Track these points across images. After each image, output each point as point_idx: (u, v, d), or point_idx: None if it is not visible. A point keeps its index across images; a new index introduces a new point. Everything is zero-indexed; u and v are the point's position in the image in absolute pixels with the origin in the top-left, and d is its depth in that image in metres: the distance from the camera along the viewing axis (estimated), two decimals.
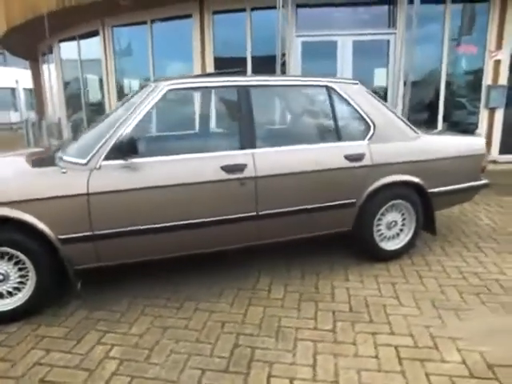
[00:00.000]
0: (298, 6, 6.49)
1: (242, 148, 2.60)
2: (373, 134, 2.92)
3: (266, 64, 6.40)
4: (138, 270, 3.01)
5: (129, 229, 2.41)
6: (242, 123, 2.63)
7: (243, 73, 2.85)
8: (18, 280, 2.35)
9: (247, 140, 2.62)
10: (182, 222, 2.49)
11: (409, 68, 5.95)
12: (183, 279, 2.91)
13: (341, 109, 2.89)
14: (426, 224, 3.25)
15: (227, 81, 2.63)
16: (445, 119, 6.61)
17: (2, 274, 2.31)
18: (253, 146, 2.62)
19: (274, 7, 6.10)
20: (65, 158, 2.46)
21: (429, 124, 6.66)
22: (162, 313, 2.50)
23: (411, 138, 3.04)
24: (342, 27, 6.45)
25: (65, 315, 2.47)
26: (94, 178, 2.33)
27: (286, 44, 6.51)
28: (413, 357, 2.04)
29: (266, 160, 2.62)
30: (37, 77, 12.34)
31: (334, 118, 2.85)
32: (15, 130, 15.55)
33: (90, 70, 8.87)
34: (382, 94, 6.70)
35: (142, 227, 2.43)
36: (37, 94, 13.09)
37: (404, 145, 3.00)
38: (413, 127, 3.10)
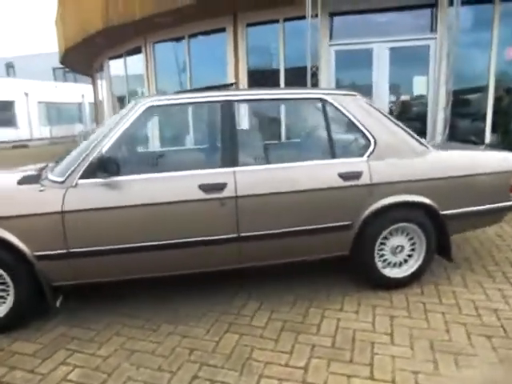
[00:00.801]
0: (332, 14, 6.28)
1: (223, 166, 2.48)
2: (373, 149, 2.66)
3: (300, 75, 6.23)
4: (129, 287, 2.98)
5: (104, 248, 2.38)
6: (224, 140, 2.51)
7: (234, 86, 2.74)
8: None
9: (229, 157, 2.49)
10: (159, 242, 2.42)
11: (449, 75, 5.49)
12: (171, 299, 2.83)
13: (337, 123, 2.67)
14: (442, 249, 2.90)
15: (210, 96, 2.54)
16: (494, 131, 6.00)
17: None
18: (235, 164, 2.48)
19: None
20: (49, 176, 2.50)
21: (476, 135, 6.09)
22: (135, 334, 2.43)
23: (419, 154, 2.73)
24: (378, 34, 6.12)
25: (44, 331, 2.49)
26: (70, 196, 2.33)
27: (319, 54, 6.32)
28: None
29: (248, 179, 2.48)
30: (95, 92, 13.17)
31: (329, 134, 2.63)
32: (76, 142, 16.78)
33: (135, 85, 9.27)
34: (423, 103, 6.26)
35: (117, 246, 2.39)
36: (96, 108, 13.96)
37: (410, 162, 2.69)
38: (423, 141, 2.79)
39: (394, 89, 6.24)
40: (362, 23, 6.25)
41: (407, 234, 2.80)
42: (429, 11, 5.95)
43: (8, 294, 2.40)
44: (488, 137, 6.00)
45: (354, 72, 6.48)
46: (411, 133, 2.79)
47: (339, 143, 2.67)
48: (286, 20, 6.57)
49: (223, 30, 7.07)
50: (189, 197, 2.40)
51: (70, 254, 2.35)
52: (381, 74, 6.21)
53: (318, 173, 2.56)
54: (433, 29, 5.92)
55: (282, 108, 2.92)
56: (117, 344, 2.34)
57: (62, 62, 11.45)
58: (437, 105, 5.88)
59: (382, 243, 2.77)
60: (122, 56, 9.20)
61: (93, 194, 2.35)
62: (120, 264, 2.44)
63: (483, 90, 5.97)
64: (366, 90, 6.38)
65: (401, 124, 2.80)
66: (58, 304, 2.48)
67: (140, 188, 2.39)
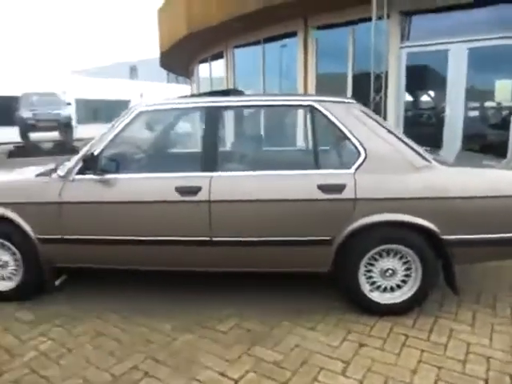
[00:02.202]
0: (403, 13, 5.84)
1: (201, 170, 2.55)
2: (363, 162, 2.46)
3: (368, 79, 5.94)
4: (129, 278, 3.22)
5: (91, 237, 2.63)
6: (205, 144, 2.57)
7: (235, 92, 2.77)
8: None
9: (208, 162, 2.55)
10: (136, 238, 2.57)
11: None
12: (164, 295, 2.99)
13: (325, 132, 2.54)
14: (448, 279, 2.56)
15: (196, 102, 2.62)
16: None
17: None
18: (212, 169, 2.53)
19: (378, 18, 5.65)
20: (58, 170, 2.83)
21: None
22: (112, 320, 2.63)
23: (419, 170, 2.43)
24: (455, 34, 5.51)
25: (43, 306, 2.80)
26: (66, 189, 2.62)
27: (388, 57, 5.94)
28: None
29: (223, 184, 2.50)
30: (192, 92, 14.19)
31: (314, 143, 2.51)
32: None
33: (218, 86, 9.73)
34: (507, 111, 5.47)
35: (100, 237, 2.61)
36: None
37: (405, 177, 2.42)
38: (425, 156, 2.48)
39: (471, 94, 5.56)
40: (437, 23, 5.69)
41: (401, 257, 2.53)
42: None
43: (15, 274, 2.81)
44: None
45: (427, 76, 5.95)
46: (414, 146, 2.51)
47: (326, 153, 2.53)
48: (355, 22, 6.30)
49: (295, 34, 7.06)
50: (165, 198, 2.52)
51: (63, 240, 2.66)
52: (456, 78, 5.59)
53: (294, 183, 2.46)
54: None
55: (268, 115, 2.86)
56: (94, 325, 2.57)
57: (161, 66, 12.61)
58: None
59: (370, 264, 2.55)
60: (208, 60, 9.78)
61: (85, 189, 2.62)
62: (103, 253, 2.66)
63: None
64: (440, 95, 5.81)
65: (402, 136, 2.54)
66: (57, 283, 2.82)
67: (125, 186, 2.59)
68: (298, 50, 7.02)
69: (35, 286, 2.84)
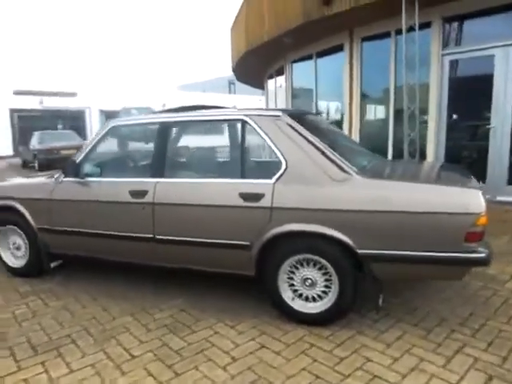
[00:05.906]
0: (445, 19, 5.50)
1: (149, 176, 2.91)
2: (283, 173, 2.56)
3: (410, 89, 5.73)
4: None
5: (67, 228, 3.19)
6: (155, 154, 2.93)
7: (199, 108, 3.08)
8: None
9: (155, 170, 2.90)
10: (98, 231, 3.05)
11: None
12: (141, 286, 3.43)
13: (252, 144, 2.70)
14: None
15: (153, 118, 3.01)
16: None
17: None
18: (158, 176, 2.88)
19: (424, 26, 5.44)
20: (55, 174, 3.46)
21: None
22: (86, 303, 3.15)
23: (335, 182, 2.45)
24: (502, 37, 5.01)
25: (36, 281, 3.49)
26: (55, 189, 3.23)
27: (430, 65, 5.66)
28: None
29: (164, 189, 2.83)
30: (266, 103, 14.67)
31: (242, 154, 2.69)
32: None
33: (282, 98, 10.02)
34: None
35: (75, 229, 3.15)
36: None
37: (320, 189, 2.45)
38: (345, 168, 2.47)
39: None
40: (481, 27, 5.24)
41: (320, 268, 2.57)
42: None
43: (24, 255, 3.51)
44: None
45: (472, 82, 5.48)
46: (335, 158, 2.51)
47: (250, 164, 2.70)
48: (398, 32, 6.09)
49: (341, 46, 7.07)
50: (121, 199, 2.96)
51: (52, 230, 3.26)
52: (504, 84, 5.08)
53: (219, 190, 2.68)
54: None
55: (205, 128, 3.09)
56: (66, 302, 3.11)
57: (238, 80, 13.39)
58: None
59: (291, 272, 2.63)
60: (273, 76, 10.22)
61: (66, 189, 3.19)
62: (77, 242, 3.18)
63: None
64: (485, 103, 5.32)
65: (325, 148, 2.56)
66: (52, 266, 3.45)
67: (93, 188, 3.09)
68: (344, 61, 7.01)
69: (37, 267, 3.51)
